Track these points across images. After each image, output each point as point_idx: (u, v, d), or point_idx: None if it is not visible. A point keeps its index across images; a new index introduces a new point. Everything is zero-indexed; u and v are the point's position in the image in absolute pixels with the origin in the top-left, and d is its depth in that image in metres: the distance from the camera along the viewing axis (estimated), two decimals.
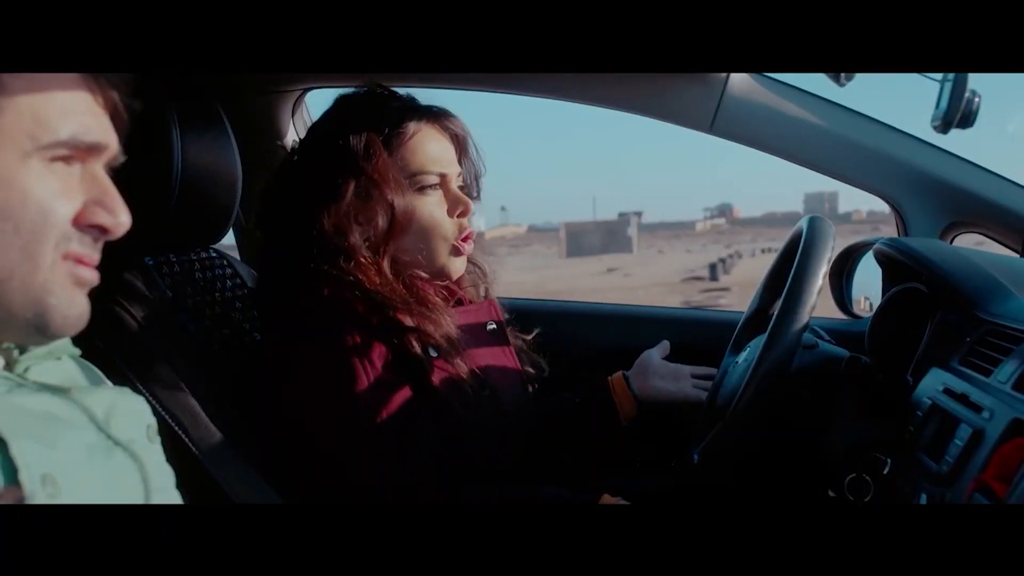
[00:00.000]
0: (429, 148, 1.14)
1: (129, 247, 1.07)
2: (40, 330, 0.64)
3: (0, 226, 0.60)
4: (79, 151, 0.64)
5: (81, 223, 0.64)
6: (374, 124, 1.12)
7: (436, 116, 1.17)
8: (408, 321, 1.07)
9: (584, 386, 1.30)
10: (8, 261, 0.61)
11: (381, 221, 1.10)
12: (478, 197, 1.24)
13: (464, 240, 1.16)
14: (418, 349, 1.07)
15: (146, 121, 1.04)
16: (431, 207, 1.14)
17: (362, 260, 1.08)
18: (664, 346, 1.35)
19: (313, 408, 1.04)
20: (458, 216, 1.15)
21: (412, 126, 1.13)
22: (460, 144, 1.20)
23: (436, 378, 1.08)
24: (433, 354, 1.08)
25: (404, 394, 1.05)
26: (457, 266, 1.17)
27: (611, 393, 1.26)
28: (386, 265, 1.10)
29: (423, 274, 1.15)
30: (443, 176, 1.15)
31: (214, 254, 1.29)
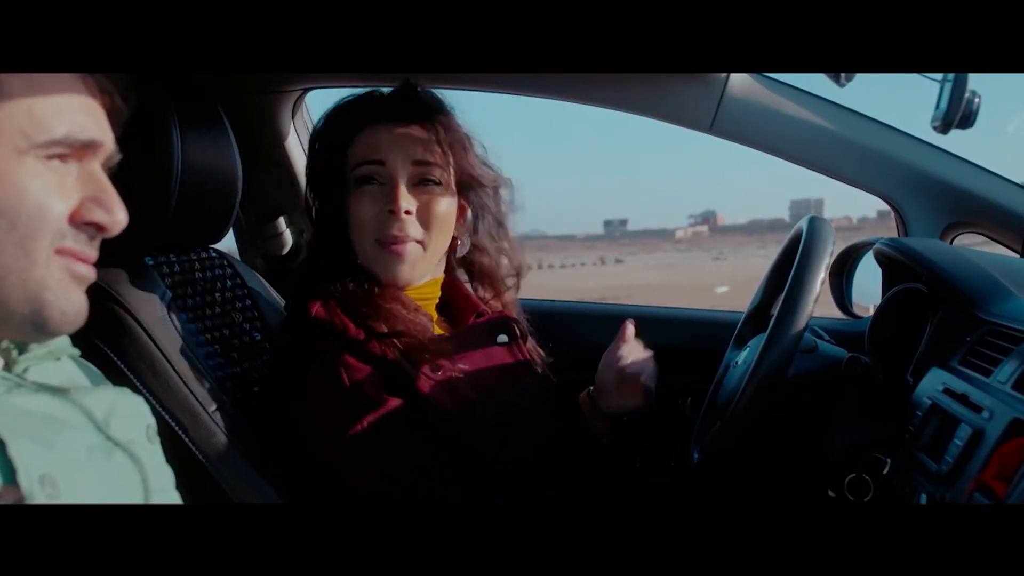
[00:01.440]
0: (376, 139, 1.09)
1: (129, 247, 1.08)
2: (39, 327, 0.64)
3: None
4: (75, 149, 0.65)
5: (77, 220, 0.65)
6: (335, 123, 1.13)
7: (398, 111, 1.10)
8: (383, 330, 1.06)
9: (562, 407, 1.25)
10: (5, 257, 0.61)
11: (323, 224, 1.12)
12: (476, 189, 1.16)
13: (394, 242, 1.08)
14: (409, 366, 1.05)
15: (146, 121, 1.06)
16: (359, 205, 1.09)
17: (343, 270, 1.09)
18: (625, 347, 1.19)
19: (309, 429, 1.04)
20: (388, 213, 1.07)
21: (368, 122, 1.10)
22: (442, 139, 1.10)
23: (437, 394, 1.06)
24: (430, 369, 1.07)
25: (398, 413, 1.03)
26: (389, 268, 1.09)
27: (582, 413, 1.21)
28: (356, 270, 1.10)
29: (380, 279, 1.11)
30: (377, 174, 1.08)
31: (214, 254, 1.28)
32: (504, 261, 1.23)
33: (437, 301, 1.19)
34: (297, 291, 1.13)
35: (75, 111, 0.64)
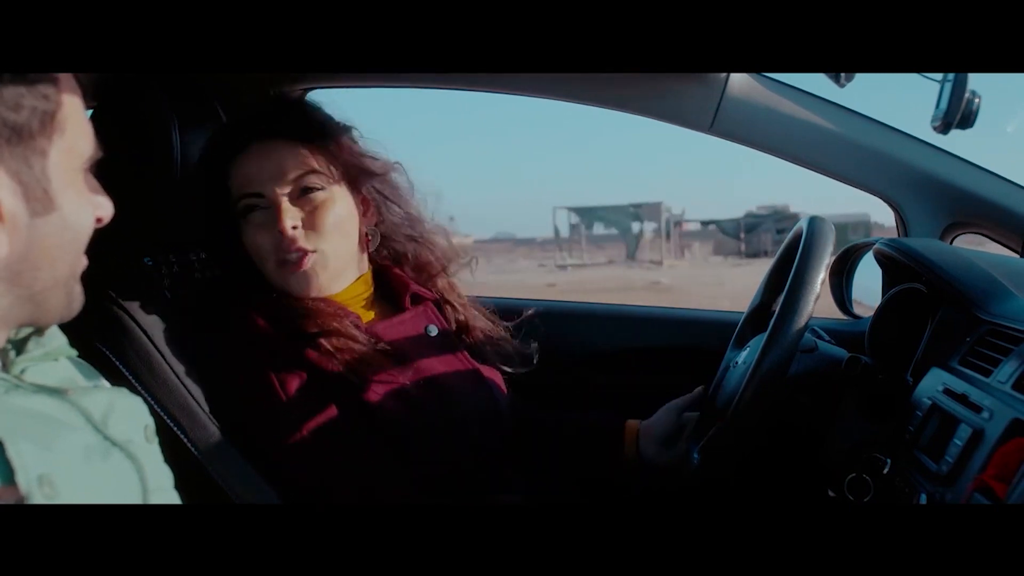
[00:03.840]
0: (247, 169, 1.08)
1: (129, 247, 1.08)
2: (66, 317, 0.69)
3: (69, 236, 0.65)
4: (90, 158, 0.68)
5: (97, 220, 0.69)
6: (209, 160, 1.12)
7: (268, 130, 1.10)
8: (314, 330, 1.07)
9: (593, 421, 1.25)
10: (66, 265, 0.66)
11: (230, 251, 1.13)
12: (382, 196, 1.18)
13: (295, 257, 1.08)
14: (337, 364, 1.06)
15: (146, 121, 1.06)
16: (253, 232, 1.09)
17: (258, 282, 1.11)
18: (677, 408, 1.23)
19: (252, 433, 1.06)
20: (279, 232, 1.07)
21: (239, 150, 1.09)
22: (313, 147, 1.10)
23: (371, 390, 1.06)
24: (361, 370, 1.07)
25: (331, 411, 1.05)
26: (298, 285, 1.09)
27: (623, 443, 1.21)
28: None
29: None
30: (261, 196, 1.08)
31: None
32: (425, 246, 1.23)
33: (368, 297, 1.18)
34: (214, 305, 1.12)
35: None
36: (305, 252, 1.08)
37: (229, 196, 1.10)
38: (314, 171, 1.09)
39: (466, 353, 1.20)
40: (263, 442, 1.05)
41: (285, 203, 1.07)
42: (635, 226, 34.36)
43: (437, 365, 1.14)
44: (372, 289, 1.19)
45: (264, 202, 1.08)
